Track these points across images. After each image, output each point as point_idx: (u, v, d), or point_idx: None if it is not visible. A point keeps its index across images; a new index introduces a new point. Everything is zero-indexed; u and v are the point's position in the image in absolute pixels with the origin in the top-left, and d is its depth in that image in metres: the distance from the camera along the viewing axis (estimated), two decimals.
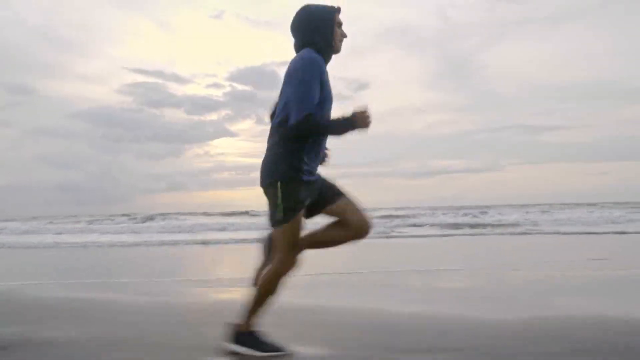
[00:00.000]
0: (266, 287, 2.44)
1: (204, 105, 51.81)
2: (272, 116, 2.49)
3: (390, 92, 55.37)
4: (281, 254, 2.39)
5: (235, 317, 2.62)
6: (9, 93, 46.99)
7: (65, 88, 52.33)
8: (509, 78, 53.69)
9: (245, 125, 57.94)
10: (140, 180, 55.95)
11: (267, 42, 57.14)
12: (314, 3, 2.42)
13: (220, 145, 57.83)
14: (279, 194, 2.25)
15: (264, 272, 2.50)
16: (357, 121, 2.20)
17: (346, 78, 55.77)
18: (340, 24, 2.40)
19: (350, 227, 2.41)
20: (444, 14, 48.79)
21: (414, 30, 51.85)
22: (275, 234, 2.39)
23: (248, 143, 59.03)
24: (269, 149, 2.38)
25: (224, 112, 53.24)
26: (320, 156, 2.39)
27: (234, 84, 52.30)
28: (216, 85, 56.19)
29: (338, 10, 2.40)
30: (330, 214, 2.44)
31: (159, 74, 56.36)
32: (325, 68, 2.34)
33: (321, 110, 2.26)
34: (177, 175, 57.98)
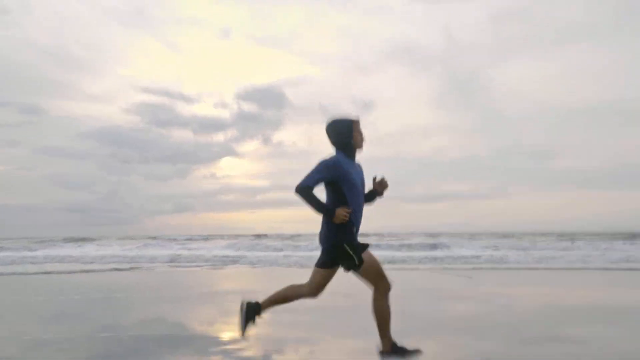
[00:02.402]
0: (380, 311, 3.11)
1: (211, 125, 51.90)
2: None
3: (396, 111, 55.09)
4: (375, 283, 3.08)
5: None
6: (20, 113, 47.40)
7: (74, 108, 52.79)
8: (517, 99, 52.37)
9: (252, 146, 57.95)
10: (148, 202, 55.92)
11: (274, 61, 57.69)
12: (339, 117, 3.19)
13: (226, 167, 57.93)
14: (350, 251, 3.00)
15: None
16: (335, 215, 2.99)
17: (352, 96, 55.97)
18: (359, 130, 3.18)
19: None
20: (449, 33, 49.06)
21: (420, 49, 52.05)
22: (363, 274, 3.05)
23: (254, 164, 59.12)
24: (325, 223, 3.09)
25: (230, 133, 53.38)
26: (360, 223, 3.15)
27: (241, 103, 52.61)
28: (223, 105, 56.28)
29: (357, 120, 3.18)
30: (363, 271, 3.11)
31: (166, 93, 56.75)
32: (348, 164, 3.11)
33: (353, 194, 3.06)
34: (184, 197, 57.98)
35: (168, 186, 58.00)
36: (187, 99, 55.30)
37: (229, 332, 4.31)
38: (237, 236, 37.40)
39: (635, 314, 5.17)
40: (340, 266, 3.10)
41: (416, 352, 3.05)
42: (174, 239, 28.99)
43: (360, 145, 3.16)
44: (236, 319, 3.37)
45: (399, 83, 54.12)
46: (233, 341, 3.96)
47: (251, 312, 3.27)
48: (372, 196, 3.24)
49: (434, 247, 20.19)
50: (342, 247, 2.99)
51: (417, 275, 10.03)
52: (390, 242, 21.03)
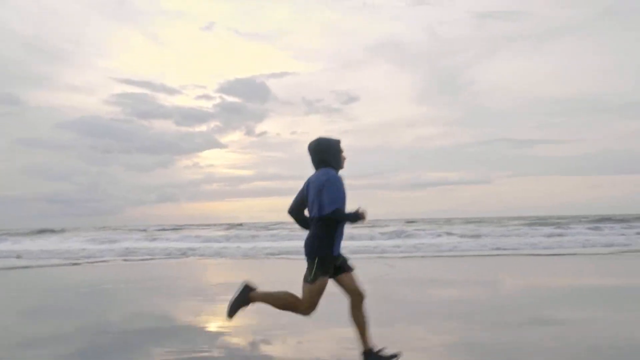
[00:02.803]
0: (281, 300, 3.22)
1: (193, 116, 51.30)
2: (291, 212, 3.44)
3: (381, 105, 55.84)
4: (304, 302, 3.17)
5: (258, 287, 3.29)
6: None
7: (54, 98, 51.39)
8: (498, 93, 54.39)
9: (235, 136, 57.66)
10: (130, 192, 55.01)
11: (257, 55, 57.31)
12: (325, 136, 3.35)
13: (209, 157, 57.44)
14: (316, 265, 3.14)
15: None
16: (360, 216, 3.15)
17: (336, 91, 56.25)
18: (342, 151, 3.37)
19: (352, 296, 3.26)
20: (434, 30, 49.67)
21: (404, 46, 52.67)
22: (305, 288, 3.17)
23: (237, 155, 58.79)
24: (309, 233, 3.28)
25: (213, 124, 52.86)
26: (342, 237, 3.29)
27: (224, 96, 52.04)
28: (206, 97, 55.77)
29: (340, 141, 3.37)
30: (339, 281, 3.27)
31: (147, 84, 55.76)
32: None
33: (344, 208, 3.21)
34: (167, 187, 57.23)
35: (150, 177, 57.25)
36: (170, 91, 54.52)
37: (215, 323, 4.27)
38: (214, 225, 37.14)
39: (615, 296, 5.33)
40: (333, 277, 3.21)
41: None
42: (144, 230, 28.50)
43: (343, 165, 3.36)
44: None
45: (384, 78, 54.66)
46: (219, 332, 3.93)
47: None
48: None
49: (398, 234, 20.16)
50: (315, 259, 3.13)
51: (402, 263, 10.12)
52: (362, 231, 21.03)
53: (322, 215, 3.16)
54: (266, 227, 30.10)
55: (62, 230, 30.87)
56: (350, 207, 3.21)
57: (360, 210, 3.16)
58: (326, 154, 3.29)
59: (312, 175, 3.35)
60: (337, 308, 4.08)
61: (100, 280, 7.95)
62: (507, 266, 9.09)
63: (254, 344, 3.52)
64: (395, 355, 3.14)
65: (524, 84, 53.94)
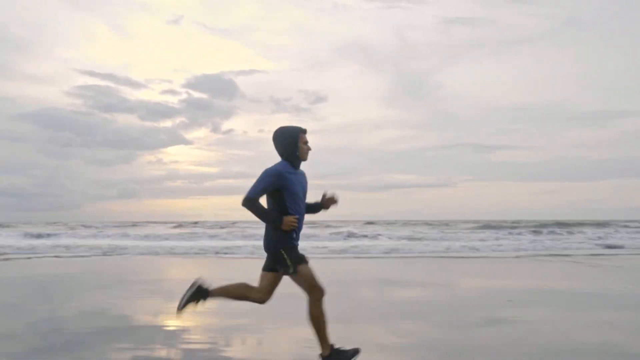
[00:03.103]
0: (316, 318, 3.08)
1: (159, 111, 49.94)
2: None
3: (348, 106, 56.14)
4: (309, 291, 3.07)
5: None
6: None
7: (11, 88, 48.94)
8: (463, 98, 56.00)
9: (201, 133, 56.54)
10: (90, 187, 52.89)
11: (225, 51, 56.45)
12: (286, 125, 3.20)
13: (174, 153, 56.07)
14: (286, 257, 3.03)
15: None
16: (282, 223, 3.04)
17: (305, 91, 56.10)
18: (305, 141, 3.18)
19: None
20: (401, 33, 50.39)
21: (373, 48, 53.24)
22: (297, 281, 3.07)
23: (202, 152, 57.66)
24: (267, 229, 3.13)
25: (179, 120, 51.65)
26: (301, 230, 3.19)
27: (190, 91, 50.95)
28: (172, 92, 54.48)
29: (303, 131, 3.19)
30: (264, 277, 3.19)
31: (111, 77, 53.86)
32: (292, 172, 3.13)
33: (294, 202, 3.10)
34: (129, 183, 55.41)
35: (111, 172, 55.28)
36: (134, 84, 52.93)
37: (173, 322, 4.20)
38: (170, 223, 36.27)
39: (564, 297, 5.56)
40: (304, 258, 3.11)
41: (356, 351, 3.08)
42: (90, 227, 27.46)
43: (304, 156, 3.19)
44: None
45: (352, 80, 54.98)
46: (177, 332, 3.86)
47: (199, 294, 3.18)
48: (317, 208, 3.32)
49: (350, 235, 20.38)
50: (279, 252, 3.04)
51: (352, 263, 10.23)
52: (317, 231, 21.04)
53: (275, 206, 3.05)
54: (221, 225, 29.65)
55: (7, 225, 29.41)
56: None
57: (285, 219, 3.02)
58: (283, 146, 3.14)
59: None
60: (297, 308, 4.08)
61: (33, 275, 7.67)
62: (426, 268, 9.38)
63: (213, 344, 3.48)
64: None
65: (487, 90, 55.89)
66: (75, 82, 55.71)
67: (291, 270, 3.03)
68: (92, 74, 52.93)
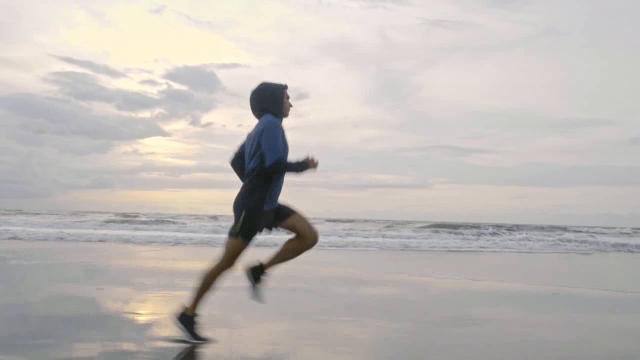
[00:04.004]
0: (209, 278, 3.08)
1: (137, 101, 48.73)
2: (233, 162, 3.25)
3: (328, 104, 56.06)
4: (223, 258, 3.04)
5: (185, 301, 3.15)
6: None
7: None
8: (441, 101, 56.77)
9: (180, 125, 55.56)
10: (62, 175, 51.32)
11: (207, 43, 55.54)
12: (268, 80, 3.11)
13: (151, 144, 54.89)
14: (241, 219, 2.95)
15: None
16: (309, 165, 3.00)
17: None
18: (288, 97, 3.13)
19: (302, 237, 3.13)
20: (384, 33, 50.61)
21: (355, 47, 53.32)
22: (227, 242, 3.03)
23: (181, 144, 56.71)
24: (243, 187, 3.06)
25: (157, 111, 50.58)
26: (280, 191, 3.11)
27: (170, 83, 49.91)
28: (151, 82, 53.26)
29: (285, 87, 3.14)
30: (285, 226, 3.14)
31: (89, 65, 52.24)
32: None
33: (286, 158, 3.03)
34: (103, 173, 54.00)
35: (85, 161, 53.74)
36: (113, 73, 51.50)
37: (144, 312, 4.15)
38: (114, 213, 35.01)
39: (532, 297, 5.74)
40: (274, 227, 3.09)
41: (199, 337, 3.05)
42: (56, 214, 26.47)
43: (287, 113, 3.12)
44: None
45: (333, 78, 54.93)
46: (148, 323, 3.83)
47: (257, 273, 3.14)
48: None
49: None
50: (242, 213, 2.95)
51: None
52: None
53: (263, 168, 2.94)
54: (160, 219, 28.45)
55: None
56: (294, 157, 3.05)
57: (309, 158, 2.97)
58: (267, 101, 3.03)
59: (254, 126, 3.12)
60: (269, 301, 4.11)
61: None
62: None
63: (182, 337, 3.43)
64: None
65: (465, 94, 56.95)
66: (52, 69, 54.04)
67: (234, 232, 2.96)
68: (69, 60, 51.46)
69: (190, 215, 33.28)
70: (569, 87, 54.01)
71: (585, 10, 50.08)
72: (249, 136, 3.11)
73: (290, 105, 3.14)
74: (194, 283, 3.14)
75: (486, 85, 55.79)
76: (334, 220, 30.56)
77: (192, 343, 3.04)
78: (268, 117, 3.02)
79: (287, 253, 3.16)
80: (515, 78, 55.51)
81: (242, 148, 3.20)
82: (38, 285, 5.50)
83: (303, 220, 3.13)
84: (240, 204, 2.98)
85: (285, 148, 3.03)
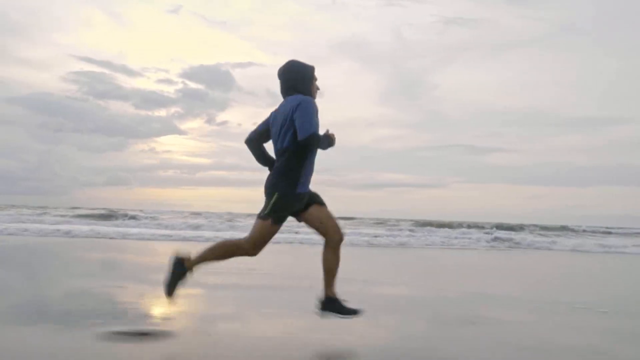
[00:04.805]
0: (222, 249, 3.00)
1: (153, 100, 49.13)
2: (249, 141, 3.16)
3: (343, 103, 55.81)
4: (250, 240, 2.94)
5: (191, 253, 3.13)
6: None
7: (4, 72, 47.86)
8: (457, 100, 55.99)
9: (195, 124, 55.97)
10: (80, 173, 52.24)
11: (223, 43, 55.78)
12: (298, 59, 3.05)
13: (167, 143, 55.44)
14: (273, 201, 2.85)
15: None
16: (332, 140, 2.96)
17: None
18: (316, 78, 3.08)
19: (327, 234, 3.02)
20: (399, 31, 50.24)
21: (370, 45, 53.00)
22: (256, 224, 2.94)
23: (196, 142, 57.21)
24: (275, 168, 2.97)
25: (173, 109, 50.97)
26: (312, 173, 3.00)
27: (187, 82, 50.31)
28: (168, 81, 53.70)
29: (314, 68, 3.09)
30: (311, 217, 3.00)
31: (107, 64, 52.85)
32: None
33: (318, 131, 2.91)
34: (119, 171, 54.80)
35: (102, 159, 54.44)
36: (130, 72, 51.81)
37: (159, 307, 4.20)
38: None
39: (548, 302, 5.66)
40: (300, 215, 2.98)
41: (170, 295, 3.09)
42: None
43: (315, 95, 3.05)
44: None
45: (348, 77, 54.63)
46: (163, 317, 3.87)
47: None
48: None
49: None
50: (274, 195, 2.87)
51: None
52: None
53: (296, 142, 2.82)
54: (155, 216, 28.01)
55: None
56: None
57: (329, 133, 2.91)
58: (297, 80, 2.96)
59: (280, 105, 3.02)
60: (288, 298, 4.15)
61: None
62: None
63: (195, 332, 3.43)
64: (356, 311, 3.01)
65: (481, 92, 56.14)
66: (70, 68, 54.72)
67: (264, 214, 2.87)
68: (88, 60, 51.87)
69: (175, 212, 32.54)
70: (586, 85, 52.89)
71: (601, 7, 49.02)
72: (277, 113, 3.00)
73: (318, 88, 3.08)
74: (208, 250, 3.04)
75: (502, 84, 54.90)
76: (379, 221, 29.42)
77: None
78: (300, 96, 2.92)
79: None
80: (531, 76, 54.50)
81: (263, 126, 3.10)
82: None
83: (331, 216, 3.03)
84: (272, 186, 2.89)
85: (319, 123, 2.92)
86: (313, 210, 2.98)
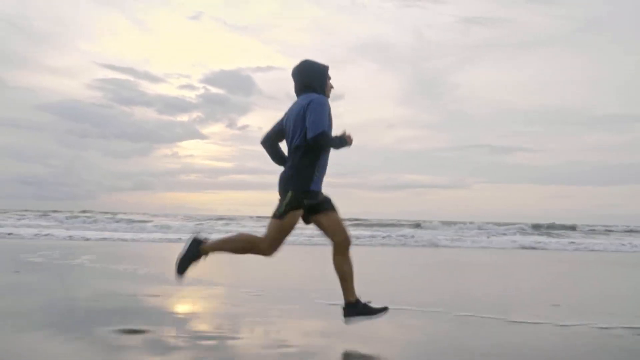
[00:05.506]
0: (239, 243, 2.99)
1: (176, 106, 50.35)
2: (264, 141, 3.16)
3: (364, 104, 55.75)
4: (266, 240, 2.93)
5: (209, 238, 3.15)
6: None
7: (33, 80, 49.69)
8: (479, 99, 55.15)
9: (217, 128, 57.01)
10: (106, 178, 53.80)
11: (243, 48, 56.64)
12: (311, 59, 3.05)
13: (189, 147, 56.59)
14: (288, 199, 2.84)
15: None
16: (347, 140, 2.93)
17: None
18: (329, 78, 3.06)
19: (335, 239, 2.99)
20: (420, 32, 49.91)
21: (390, 47, 52.81)
22: (271, 223, 2.92)
23: (218, 146, 58.20)
24: (287, 166, 2.97)
25: (195, 114, 52.01)
26: (325, 171, 3.00)
27: (208, 87, 51.35)
28: (189, 87, 54.85)
29: (328, 68, 3.08)
30: (320, 221, 2.99)
31: (131, 71, 54.46)
32: None
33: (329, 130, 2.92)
34: (144, 175, 56.17)
35: (127, 164, 56.05)
36: (153, 79, 53.39)
37: (181, 305, 4.21)
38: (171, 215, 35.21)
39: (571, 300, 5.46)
40: (309, 218, 2.95)
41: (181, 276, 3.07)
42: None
43: (329, 94, 3.05)
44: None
45: (369, 78, 54.54)
46: (185, 316, 3.87)
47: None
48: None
49: None
50: (289, 192, 2.85)
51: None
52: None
53: (306, 140, 2.83)
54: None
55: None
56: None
57: (346, 134, 2.90)
58: (310, 78, 2.97)
59: (293, 103, 3.04)
60: (308, 299, 4.09)
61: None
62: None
63: (219, 331, 3.42)
64: (384, 309, 2.98)
65: (503, 91, 55.07)
66: (96, 75, 56.37)
67: (279, 213, 2.84)
68: (112, 67, 53.34)
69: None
70: (612, 82, 51.32)
71: (622, 4, 47.48)
72: (290, 112, 3.01)
73: (332, 87, 3.07)
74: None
75: (526, 82, 53.75)
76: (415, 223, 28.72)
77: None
78: (313, 94, 2.93)
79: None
80: (555, 74, 53.19)
81: (277, 126, 3.11)
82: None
83: (340, 221, 3.00)
84: (286, 184, 2.89)
85: (330, 122, 2.93)
86: (323, 214, 2.97)
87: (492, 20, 47.78)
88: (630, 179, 59.27)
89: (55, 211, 29.38)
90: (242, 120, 54.96)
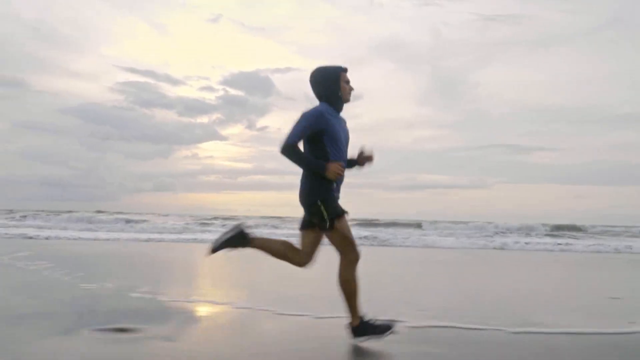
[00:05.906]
0: (347, 283, 2.87)
1: (196, 107, 50.85)
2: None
3: (382, 104, 55.35)
4: (343, 251, 2.85)
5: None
6: (0, 86, 45.30)
7: (56, 84, 50.72)
8: (498, 98, 54.00)
9: (236, 129, 57.56)
10: (127, 179, 54.80)
11: (262, 49, 56.78)
12: (324, 64, 2.94)
13: (209, 149, 57.13)
14: (323, 210, 2.75)
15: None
16: (327, 170, 2.74)
17: None
18: (347, 81, 2.94)
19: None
20: (437, 31, 49.42)
21: (407, 46, 52.25)
22: (331, 238, 2.83)
23: (237, 148, 58.68)
24: (304, 176, 2.88)
25: (215, 116, 52.45)
26: (342, 181, 2.93)
27: (227, 88, 51.80)
28: (209, 89, 55.38)
29: (344, 69, 2.94)
30: (302, 236, 2.98)
31: (151, 74, 55.11)
32: (333, 116, 2.89)
33: (336, 148, 2.83)
34: (164, 176, 57.06)
35: (149, 165, 56.99)
36: (173, 81, 53.97)
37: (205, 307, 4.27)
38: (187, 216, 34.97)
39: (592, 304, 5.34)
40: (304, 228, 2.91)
41: (388, 327, 2.86)
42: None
43: (347, 97, 2.93)
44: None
45: (387, 78, 54.13)
46: (208, 316, 3.92)
47: (239, 239, 2.94)
48: (351, 164, 3.04)
49: None
50: (315, 204, 2.75)
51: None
52: None
53: (309, 151, 2.82)
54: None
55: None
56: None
57: (332, 166, 2.71)
58: (320, 86, 2.88)
59: None
60: (322, 294, 4.04)
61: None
62: None
63: (243, 326, 3.44)
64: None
65: (523, 90, 53.85)
66: (117, 79, 57.16)
67: (327, 225, 2.73)
68: (133, 70, 54.01)
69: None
70: (634, 80, 49.86)
71: None
72: None
73: (351, 89, 2.96)
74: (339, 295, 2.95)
75: (547, 80, 52.44)
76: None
77: (387, 335, 2.91)
78: (317, 106, 2.86)
79: (277, 253, 2.99)
80: (578, 71, 51.77)
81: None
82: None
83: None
84: (309, 197, 2.82)
85: (335, 139, 2.83)
86: (312, 230, 2.92)
87: (510, 17, 46.93)
88: None
89: (69, 211, 29.42)
90: (261, 122, 55.31)
